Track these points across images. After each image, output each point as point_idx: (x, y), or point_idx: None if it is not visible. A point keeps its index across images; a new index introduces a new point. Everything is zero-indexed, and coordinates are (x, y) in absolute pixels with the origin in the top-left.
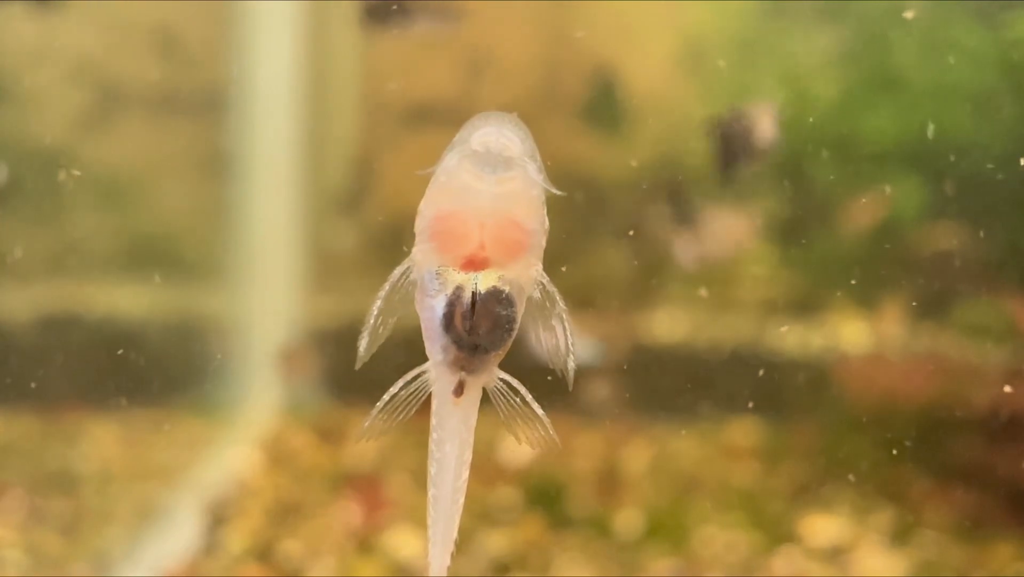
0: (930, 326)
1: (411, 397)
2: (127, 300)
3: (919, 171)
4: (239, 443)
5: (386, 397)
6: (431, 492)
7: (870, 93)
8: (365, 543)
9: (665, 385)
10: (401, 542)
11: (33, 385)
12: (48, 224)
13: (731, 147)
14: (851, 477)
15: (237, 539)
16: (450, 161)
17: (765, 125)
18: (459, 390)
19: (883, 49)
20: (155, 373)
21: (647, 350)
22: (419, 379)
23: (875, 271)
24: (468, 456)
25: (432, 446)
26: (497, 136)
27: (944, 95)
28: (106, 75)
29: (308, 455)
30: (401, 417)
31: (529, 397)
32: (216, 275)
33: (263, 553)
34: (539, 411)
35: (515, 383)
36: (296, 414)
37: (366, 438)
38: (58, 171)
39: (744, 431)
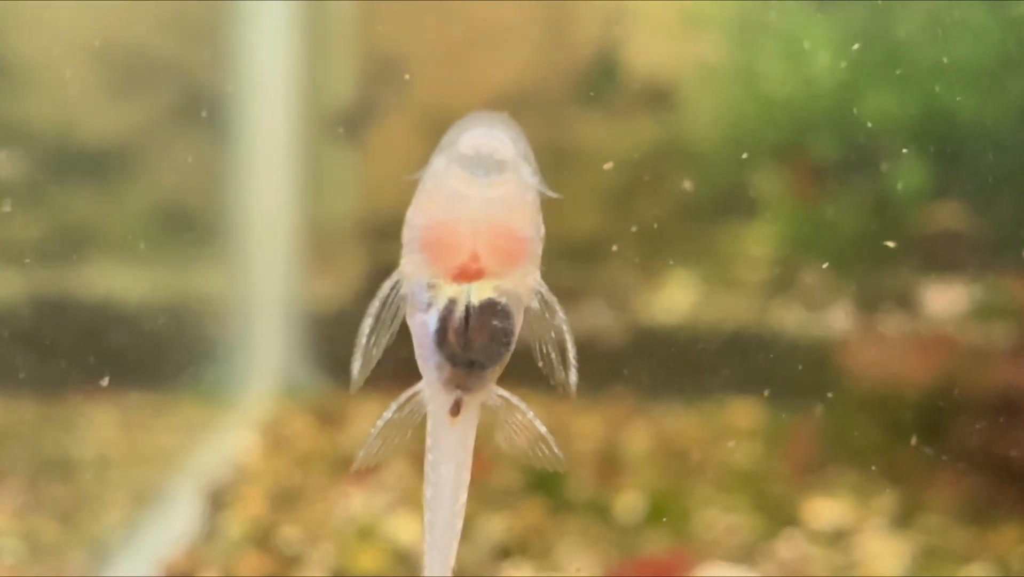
0: None
1: (405, 420)
2: (124, 282)
3: (922, 150)
4: (238, 427)
5: (379, 424)
6: (427, 517)
7: (873, 71)
8: (365, 528)
9: (666, 366)
10: (401, 527)
11: (29, 370)
12: (44, 205)
13: None
14: (854, 461)
15: (236, 525)
16: (438, 165)
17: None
18: (455, 410)
19: (886, 27)
20: (153, 357)
21: (648, 331)
22: (413, 400)
23: (877, 251)
24: (466, 478)
25: (427, 468)
26: (487, 137)
27: (947, 73)
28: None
29: (307, 439)
30: (396, 442)
31: (531, 414)
32: (214, 257)
33: (262, 539)
34: (542, 429)
35: (515, 400)
36: (295, 397)
37: (363, 468)
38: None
39: (746, 413)
